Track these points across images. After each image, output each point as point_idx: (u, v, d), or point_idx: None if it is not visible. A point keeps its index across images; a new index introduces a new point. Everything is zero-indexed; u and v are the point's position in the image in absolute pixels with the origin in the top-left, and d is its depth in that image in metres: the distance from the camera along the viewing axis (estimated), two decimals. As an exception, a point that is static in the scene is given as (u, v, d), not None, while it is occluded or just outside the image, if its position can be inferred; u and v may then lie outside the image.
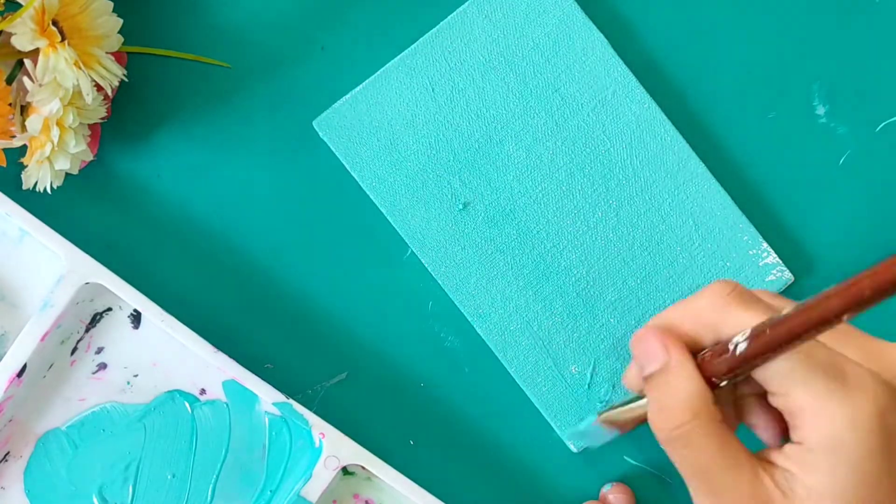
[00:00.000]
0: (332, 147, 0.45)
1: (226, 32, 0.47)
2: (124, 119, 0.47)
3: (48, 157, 0.41)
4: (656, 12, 0.47)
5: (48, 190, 0.42)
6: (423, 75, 0.45)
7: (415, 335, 0.46)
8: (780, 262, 0.45)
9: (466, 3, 0.46)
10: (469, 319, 0.45)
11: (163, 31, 0.47)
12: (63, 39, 0.39)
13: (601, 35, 0.46)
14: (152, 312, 0.43)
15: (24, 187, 0.42)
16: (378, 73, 0.45)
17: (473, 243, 0.45)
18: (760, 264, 0.45)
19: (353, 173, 0.45)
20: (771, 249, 0.45)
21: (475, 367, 0.46)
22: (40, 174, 0.41)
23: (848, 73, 0.47)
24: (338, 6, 0.47)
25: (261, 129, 0.47)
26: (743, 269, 0.45)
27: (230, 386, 0.45)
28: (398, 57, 0.46)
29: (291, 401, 0.43)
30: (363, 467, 0.43)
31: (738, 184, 0.46)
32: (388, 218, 0.45)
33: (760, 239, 0.45)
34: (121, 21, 0.42)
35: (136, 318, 0.45)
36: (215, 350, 0.43)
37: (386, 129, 0.45)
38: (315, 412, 0.43)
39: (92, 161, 0.44)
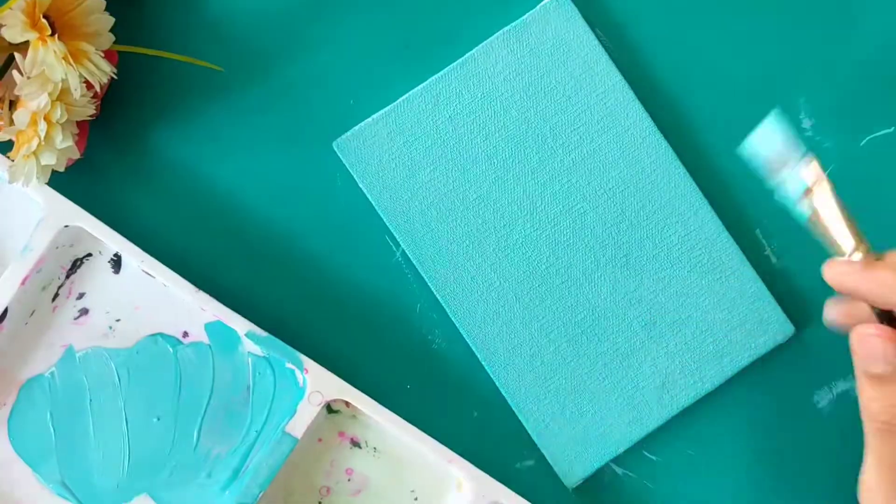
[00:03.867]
0: (350, 170, 0.45)
1: (218, 33, 0.47)
2: (113, 118, 0.47)
3: (34, 152, 0.41)
4: (645, 23, 0.47)
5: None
6: (446, 105, 0.45)
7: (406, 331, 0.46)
8: (786, 316, 0.45)
9: (493, 37, 0.46)
10: (473, 349, 0.45)
11: (155, 32, 0.47)
12: (54, 34, 0.39)
13: (622, 78, 0.46)
14: (132, 253, 0.43)
15: (9, 182, 0.42)
16: (400, 99, 0.46)
17: (483, 274, 0.45)
18: (764, 317, 0.45)
19: (369, 197, 0.45)
20: (776, 303, 0.45)
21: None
22: (26, 169, 0.41)
23: (834, 87, 0.47)
24: (328, 7, 0.47)
25: (251, 130, 0.47)
26: (747, 321, 0.45)
27: (213, 328, 0.45)
28: (422, 85, 0.46)
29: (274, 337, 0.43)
30: (347, 403, 0.43)
31: (724, 194, 0.46)
32: (400, 242, 0.45)
33: (767, 293, 0.45)
34: (112, 19, 0.42)
35: (116, 262, 0.45)
36: (196, 289, 0.43)
37: (405, 156, 0.45)
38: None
39: (79, 159, 0.44)
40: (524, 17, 0.46)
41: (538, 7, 0.46)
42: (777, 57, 0.47)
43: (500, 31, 0.46)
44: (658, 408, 0.45)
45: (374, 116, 0.45)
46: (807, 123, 0.47)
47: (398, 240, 0.45)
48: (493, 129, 0.46)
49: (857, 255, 0.36)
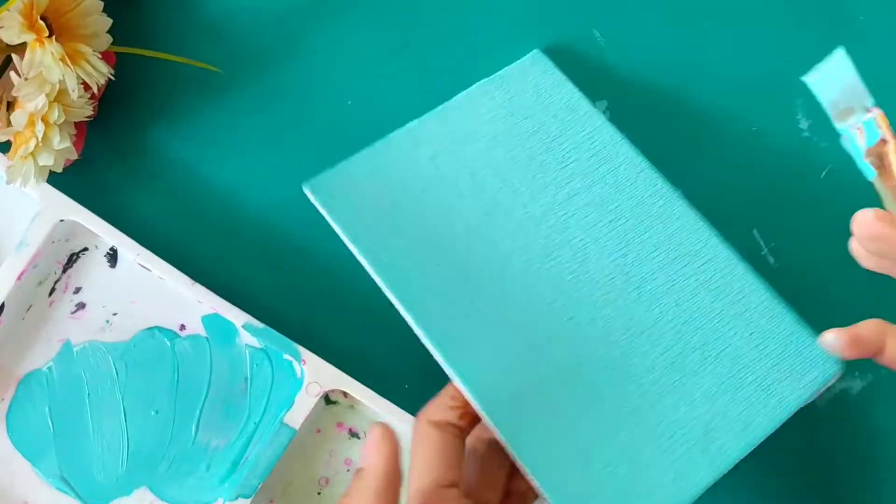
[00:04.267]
0: (323, 211, 0.42)
1: (215, 34, 0.47)
2: (111, 119, 0.47)
3: (32, 153, 0.41)
4: (646, 27, 0.48)
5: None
6: (427, 145, 0.43)
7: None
8: (823, 351, 0.39)
9: (473, 86, 0.45)
10: (474, 398, 0.38)
11: (152, 33, 0.47)
12: (51, 35, 0.39)
13: (607, 121, 0.44)
14: (128, 247, 0.43)
15: (7, 182, 0.42)
16: (379, 141, 0.43)
17: (477, 311, 0.40)
18: (804, 351, 0.40)
19: (345, 238, 0.41)
20: (812, 335, 0.41)
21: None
22: (24, 170, 0.41)
23: None
24: (327, 6, 0.47)
25: (249, 130, 0.47)
26: (786, 357, 0.40)
27: (210, 320, 0.45)
28: (401, 128, 0.44)
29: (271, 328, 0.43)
30: (345, 394, 0.43)
31: (721, 193, 0.46)
32: (385, 285, 0.41)
33: (804, 327, 0.41)
34: (110, 21, 0.42)
35: (112, 256, 0.45)
36: (193, 282, 0.43)
37: (386, 196, 0.42)
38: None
39: (77, 160, 0.44)
40: (501, 71, 0.45)
41: (515, 63, 0.45)
42: (774, 57, 0.47)
43: (479, 82, 0.45)
44: (705, 461, 0.38)
45: (352, 158, 0.43)
46: (804, 124, 0.47)
47: (382, 283, 0.40)
48: (478, 166, 0.43)
49: None
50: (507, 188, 0.43)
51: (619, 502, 0.37)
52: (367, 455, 0.34)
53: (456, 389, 0.37)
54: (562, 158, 0.44)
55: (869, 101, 0.34)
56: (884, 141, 0.33)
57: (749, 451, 0.39)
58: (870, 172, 0.34)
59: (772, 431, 0.39)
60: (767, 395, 0.39)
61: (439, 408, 0.37)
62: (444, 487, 0.34)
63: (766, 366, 0.40)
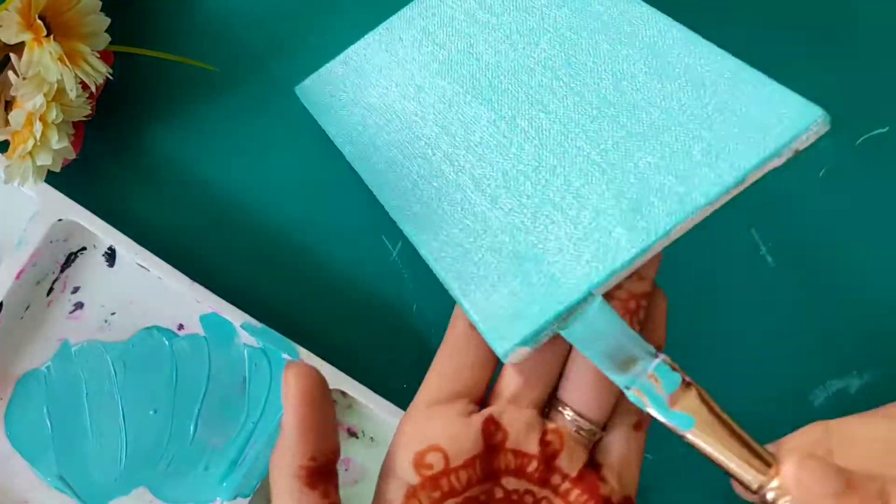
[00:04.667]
0: (311, 111, 0.44)
1: (213, 33, 0.47)
2: (109, 118, 0.46)
3: (30, 153, 0.41)
4: None
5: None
6: (409, 34, 0.44)
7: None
8: (805, 99, 0.33)
9: None
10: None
11: (151, 32, 0.47)
12: (49, 35, 0.39)
13: None
14: (126, 247, 0.43)
15: (5, 182, 0.42)
16: (363, 38, 0.45)
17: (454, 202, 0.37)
18: (773, 102, 0.33)
19: (334, 141, 0.43)
20: (786, 88, 0.34)
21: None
22: (22, 169, 0.41)
23: (829, 86, 0.47)
24: (324, 5, 0.47)
25: (247, 129, 0.47)
26: (748, 115, 0.33)
27: (208, 320, 0.45)
28: (381, 25, 0.45)
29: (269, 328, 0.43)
30: (344, 393, 0.43)
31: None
32: (364, 180, 0.41)
33: (768, 79, 0.34)
34: (108, 20, 0.42)
35: (110, 256, 0.45)
36: (191, 282, 0.43)
37: (366, 90, 0.43)
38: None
39: (75, 159, 0.44)
40: None
41: None
42: (773, 56, 0.47)
43: None
44: (628, 238, 0.32)
45: (336, 59, 0.45)
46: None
47: (365, 180, 0.40)
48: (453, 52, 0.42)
49: (774, 483, 0.28)
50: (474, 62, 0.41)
51: (524, 293, 0.32)
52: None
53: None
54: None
55: (649, 345, 0.30)
56: (687, 384, 0.30)
57: (681, 221, 0.31)
58: (687, 422, 0.29)
59: (716, 199, 0.31)
60: (717, 160, 0.32)
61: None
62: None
63: (721, 128, 0.33)
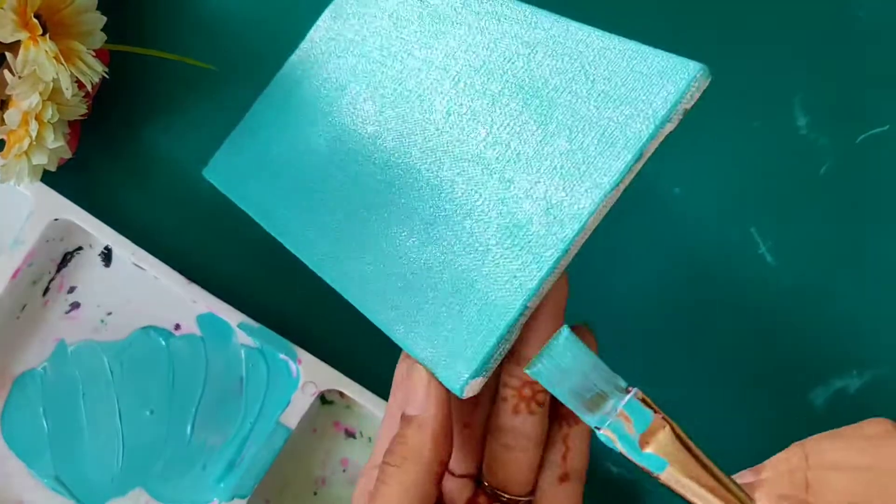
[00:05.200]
0: (224, 192, 0.41)
1: (210, 32, 0.47)
2: (105, 118, 0.46)
3: (26, 152, 0.40)
4: None
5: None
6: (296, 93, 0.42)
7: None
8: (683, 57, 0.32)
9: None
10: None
11: (147, 31, 0.47)
12: (45, 33, 0.39)
13: None
14: (122, 246, 0.43)
15: (0, 181, 0.41)
16: (252, 108, 0.43)
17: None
18: (653, 70, 0.32)
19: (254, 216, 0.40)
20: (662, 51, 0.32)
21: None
22: (18, 169, 0.41)
23: (829, 85, 0.47)
24: (322, 5, 0.47)
25: None
26: (633, 88, 0.32)
27: (205, 320, 0.45)
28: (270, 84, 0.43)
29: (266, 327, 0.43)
30: (341, 394, 0.43)
31: (718, 191, 0.46)
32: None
33: (642, 46, 0.32)
34: (104, 18, 0.42)
35: (106, 256, 0.45)
36: (188, 281, 0.43)
37: (265, 158, 0.41)
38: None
39: (71, 159, 0.44)
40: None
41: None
42: (772, 55, 0.47)
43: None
44: (550, 239, 0.31)
45: (233, 133, 0.43)
46: (802, 121, 0.47)
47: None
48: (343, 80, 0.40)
49: None
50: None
51: (459, 319, 0.32)
52: (418, 399, 0.30)
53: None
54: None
55: (621, 380, 0.28)
56: (663, 420, 0.28)
57: (593, 211, 0.30)
58: (659, 465, 0.28)
59: (621, 178, 0.30)
60: (614, 139, 0.31)
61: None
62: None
63: (608, 109, 0.32)
